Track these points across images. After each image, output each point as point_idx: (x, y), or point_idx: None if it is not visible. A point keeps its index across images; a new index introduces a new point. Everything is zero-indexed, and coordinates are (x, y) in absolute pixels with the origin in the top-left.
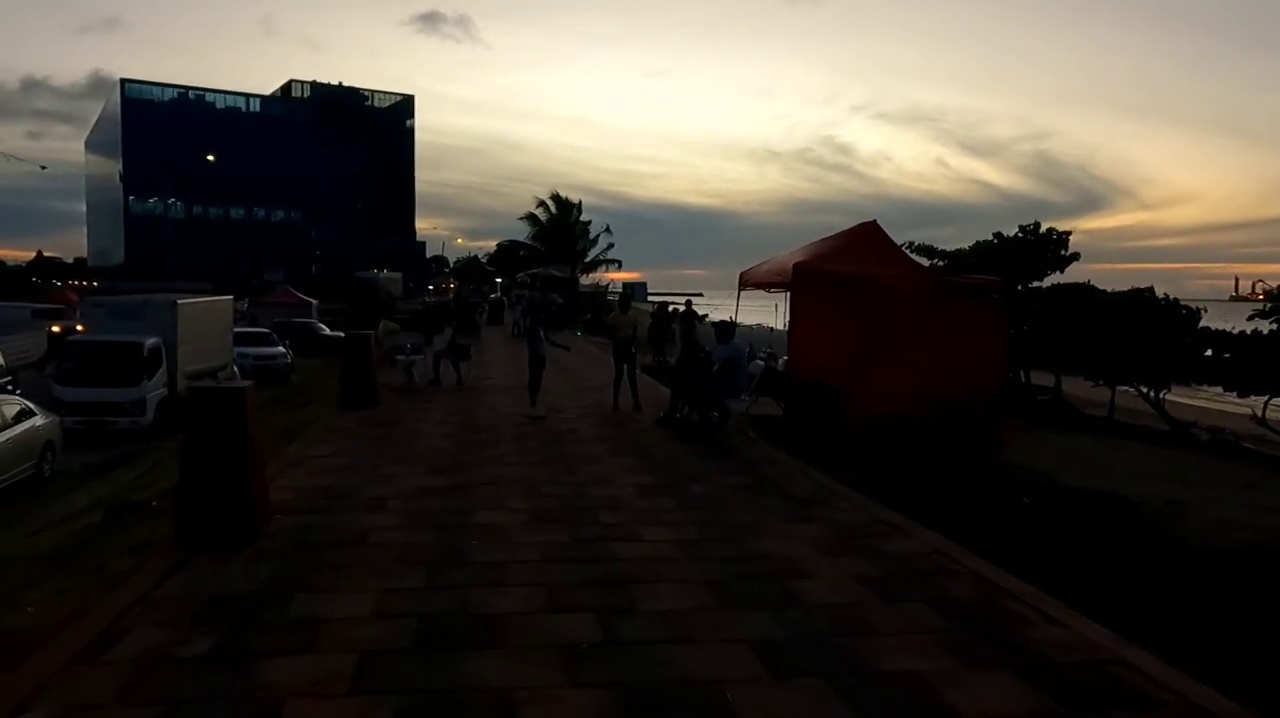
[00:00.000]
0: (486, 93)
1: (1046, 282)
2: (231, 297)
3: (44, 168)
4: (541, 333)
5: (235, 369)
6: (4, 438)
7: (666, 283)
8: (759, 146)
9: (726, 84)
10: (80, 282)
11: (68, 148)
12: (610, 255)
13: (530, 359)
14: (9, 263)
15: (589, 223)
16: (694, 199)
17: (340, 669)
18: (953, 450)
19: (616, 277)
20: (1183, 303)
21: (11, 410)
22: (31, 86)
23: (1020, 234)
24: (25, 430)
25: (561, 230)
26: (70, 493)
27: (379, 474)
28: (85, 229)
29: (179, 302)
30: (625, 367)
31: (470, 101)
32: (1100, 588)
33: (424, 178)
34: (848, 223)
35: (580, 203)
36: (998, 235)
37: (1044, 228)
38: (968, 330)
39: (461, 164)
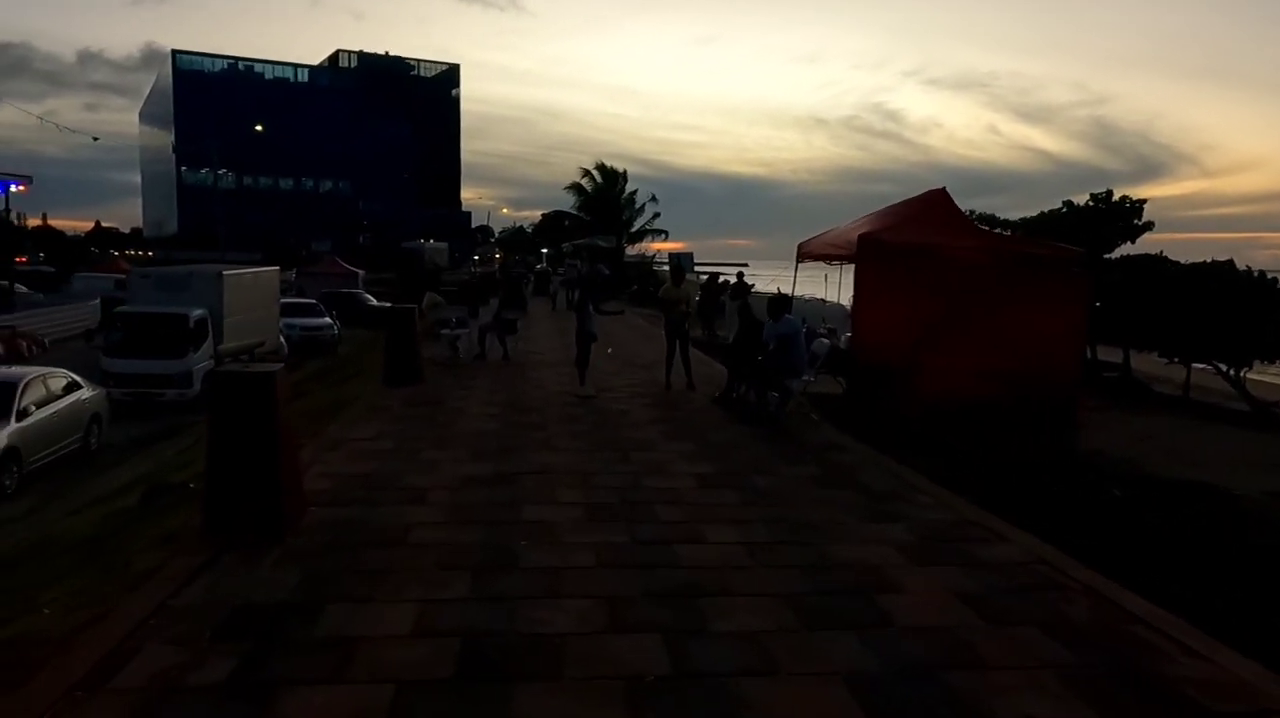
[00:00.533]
0: (530, 61)
1: (1116, 253)
2: (278, 267)
3: (96, 139)
4: (591, 308)
5: (283, 340)
6: (50, 411)
7: (712, 253)
8: (806, 114)
9: (773, 50)
10: (137, 251)
11: (123, 119)
12: (656, 225)
13: (578, 335)
14: (69, 233)
15: (634, 192)
16: (739, 168)
17: (375, 704)
18: (1028, 435)
19: (662, 247)
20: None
21: (58, 384)
22: (87, 59)
23: (1091, 202)
24: (72, 403)
25: (607, 200)
26: (115, 467)
27: (421, 460)
28: (141, 200)
29: (224, 273)
30: (678, 343)
31: (514, 70)
32: (1223, 604)
33: (469, 148)
34: (897, 192)
35: (625, 172)
36: (1067, 204)
37: (1116, 195)
38: (1045, 305)
39: (506, 134)
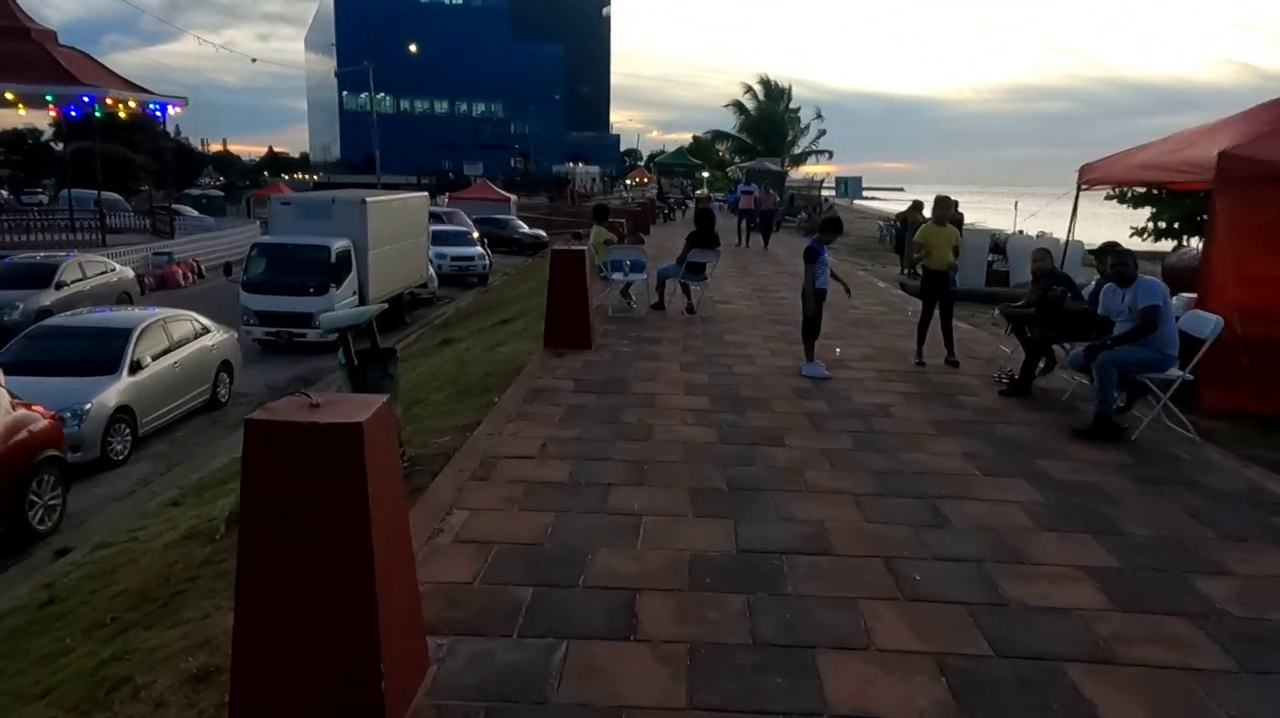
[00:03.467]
0: None
1: None
2: (427, 194)
3: (254, 60)
4: (825, 255)
5: (433, 272)
6: (170, 362)
7: (864, 177)
8: (972, 25)
9: None
10: (304, 175)
11: (292, 48)
12: (820, 145)
13: (805, 294)
14: (245, 158)
15: (798, 110)
16: (897, 86)
17: None
18: None
19: (820, 169)
20: None
21: (180, 330)
22: None
23: None
24: (197, 351)
25: (771, 119)
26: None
27: (615, 513)
28: (307, 125)
29: (369, 200)
30: (939, 305)
31: None
32: None
33: (618, 69)
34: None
35: (790, 88)
36: None
37: None
38: None
39: (655, 55)
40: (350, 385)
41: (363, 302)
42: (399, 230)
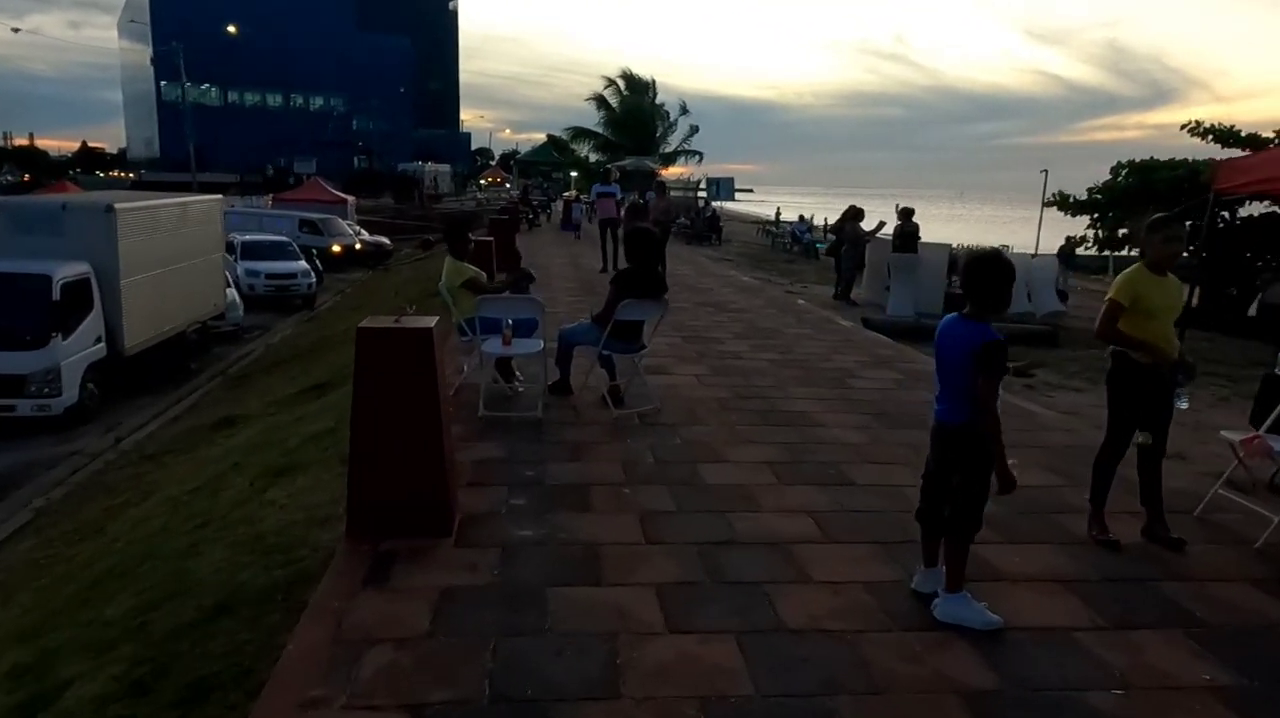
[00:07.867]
0: None
1: None
2: (220, 196)
3: (17, 30)
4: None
5: (237, 298)
6: None
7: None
8: (814, 34)
9: None
10: (122, 173)
11: (106, 36)
12: (691, 144)
13: (937, 479)
14: (54, 154)
15: (664, 105)
16: (745, 90)
17: None
18: None
19: (687, 171)
20: None
21: None
22: None
23: None
24: None
25: (637, 115)
26: None
27: None
28: (124, 119)
29: (118, 206)
30: (1146, 429)
31: None
32: None
33: (467, 68)
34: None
35: (654, 81)
36: None
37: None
38: None
39: (505, 54)
40: None
41: (113, 351)
42: (176, 247)
